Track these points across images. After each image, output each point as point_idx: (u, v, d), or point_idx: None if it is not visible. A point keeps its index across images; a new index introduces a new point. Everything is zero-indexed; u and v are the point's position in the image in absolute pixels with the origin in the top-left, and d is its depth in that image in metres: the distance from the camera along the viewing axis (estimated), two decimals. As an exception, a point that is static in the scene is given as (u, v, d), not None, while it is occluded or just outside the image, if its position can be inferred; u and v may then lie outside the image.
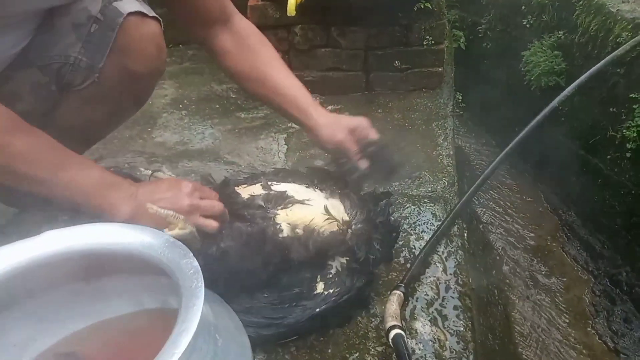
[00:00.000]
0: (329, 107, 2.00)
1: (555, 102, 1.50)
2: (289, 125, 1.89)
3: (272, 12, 1.96)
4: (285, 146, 1.75)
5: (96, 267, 0.73)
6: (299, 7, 1.73)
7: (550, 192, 2.50)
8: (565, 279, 1.94)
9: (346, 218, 0.97)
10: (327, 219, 0.93)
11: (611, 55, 1.67)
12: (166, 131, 1.86)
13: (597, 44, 2.15)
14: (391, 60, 2.04)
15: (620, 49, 1.66)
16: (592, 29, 2.21)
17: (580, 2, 2.40)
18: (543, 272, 2.00)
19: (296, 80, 1.09)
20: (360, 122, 1.06)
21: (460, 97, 2.48)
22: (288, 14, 1.70)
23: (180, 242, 0.65)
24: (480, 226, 2.33)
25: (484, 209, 2.48)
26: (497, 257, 2.11)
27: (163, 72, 0.99)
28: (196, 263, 0.61)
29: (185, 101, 2.09)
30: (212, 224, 0.84)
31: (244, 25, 1.09)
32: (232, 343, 0.64)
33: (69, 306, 0.76)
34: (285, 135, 1.81)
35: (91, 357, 0.72)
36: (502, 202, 2.56)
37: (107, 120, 1.06)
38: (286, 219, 0.92)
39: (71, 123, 0.96)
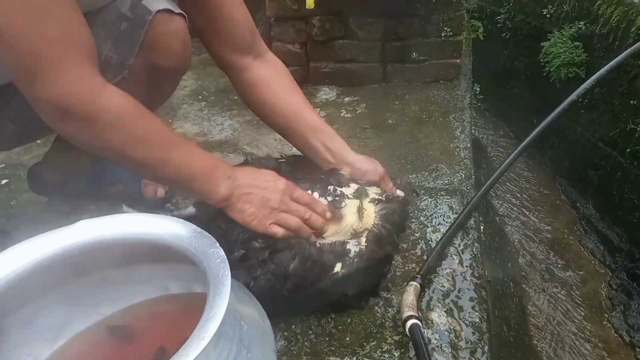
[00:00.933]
0: (347, 99, 2.02)
1: (574, 95, 1.49)
2: (307, 116, 1.90)
3: (290, 4, 1.97)
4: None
5: (125, 255, 0.77)
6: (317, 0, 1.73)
7: (567, 184, 2.49)
8: (581, 272, 1.94)
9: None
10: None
11: (633, 47, 1.65)
12: (186, 122, 1.90)
13: (618, 35, 2.13)
14: (409, 52, 2.04)
15: (642, 41, 1.64)
16: (613, 19, 2.18)
17: (602, -8, 2.36)
18: (559, 265, 2.00)
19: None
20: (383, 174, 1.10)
21: (478, 89, 2.46)
22: (307, 7, 1.72)
23: (207, 233, 0.67)
24: (497, 218, 2.33)
25: (500, 201, 2.48)
26: (514, 250, 2.11)
27: (188, 67, 1.02)
28: (222, 253, 0.64)
29: (205, 92, 2.12)
30: (278, 232, 0.88)
31: (274, 59, 1.12)
32: (256, 329, 0.67)
33: (100, 291, 0.80)
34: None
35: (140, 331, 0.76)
36: (519, 195, 2.55)
37: None
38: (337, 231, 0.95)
39: None
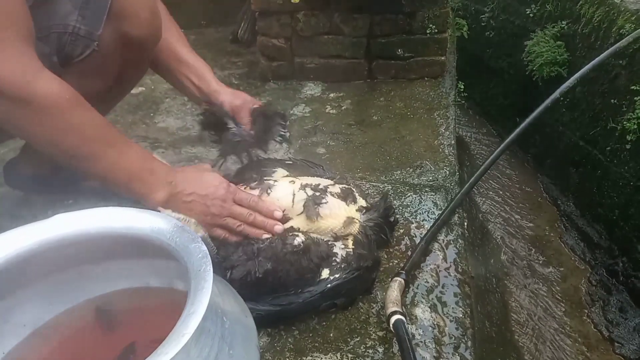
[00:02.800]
0: (332, 95, 2.01)
1: (556, 94, 1.51)
2: (291, 112, 1.89)
3: (275, -2, 1.95)
4: (288, 133, 1.75)
5: (104, 250, 0.75)
6: (303, -6, 1.72)
7: (549, 182, 2.52)
8: (562, 269, 1.97)
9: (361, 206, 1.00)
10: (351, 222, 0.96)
11: (614, 47, 1.67)
12: (169, 116, 1.87)
13: (600, 35, 2.16)
14: (394, 49, 2.03)
15: (623, 40, 1.66)
16: (595, 19, 2.21)
17: (585, -8, 2.39)
18: (541, 262, 2.03)
19: (199, 57, 1.14)
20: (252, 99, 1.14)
21: (462, 87, 2.47)
22: (292, 1, 1.70)
23: (189, 228, 0.66)
24: (480, 215, 2.35)
25: (483, 199, 2.50)
26: (496, 246, 2.13)
27: (159, 37, 1.01)
28: (204, 248, 0.62)
29: (188, 87, 2.09)
30: (230, 238, 0.89)
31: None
32: (238, 325, 0.66)
33: (78, 287, 0.78)
34: (287, 123, 1.82)
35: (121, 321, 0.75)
36: (501, 192, 2.58)
37: (110, 93, 1.06)
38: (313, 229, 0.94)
39: None
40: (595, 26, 2.21)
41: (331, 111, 1.89)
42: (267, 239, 0.89)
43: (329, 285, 0.86)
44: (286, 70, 2.13)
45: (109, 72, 0.99)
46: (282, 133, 1.12)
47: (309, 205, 0.94)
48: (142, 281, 0.82)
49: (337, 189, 1.01)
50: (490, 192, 2.54)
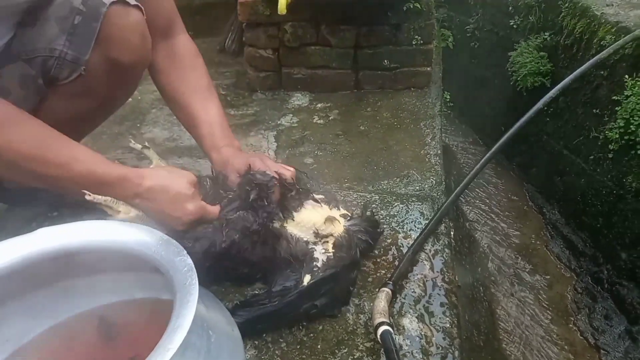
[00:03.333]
0: (319, 105, 2.02)
1: (540, 104, 1.53)
2: (279, 122, 1.90)
3: (262, 9, 1.96)
4: (275, 143, 1.76)
5: (89, 264, 0.74)
6: (289, 5, 1.73)
7: (535, 191, 2.55)
8: (548, 277, 1.99)
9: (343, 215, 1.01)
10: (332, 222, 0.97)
11: (595, 58, 1.71)
12: (155, 127, 1.86)
13: (581, 46, 2.20)
14: (380, 59, 2.05)
15: (604, 52, 1.70)
16: (577, 31, 2.25)
17: (566, 5, 2.44)
18: (527, 270, 2.04)
19: (216, 112, 1.09)
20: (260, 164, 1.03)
21: (448, 97, 2.51)
22: (279, 13, 1.71)
23: (174, 241, 0.66)
24: (467, 224, 2.37)
25: (470, 207, 2.52)
26: (483, 255, 2.14)
27: (149, 61, 1.00)
28: (190, 261, 0.62)
29: (175, 97, 2.09)
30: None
31: (183, 45, 1.11)
32: (225, 338, 0.65)
33: (63, 301, 0.77)
34: (275, 133, 1.83)
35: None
36: (487, 201, 2.60)
37: (96, 113, 1.06)
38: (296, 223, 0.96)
39: (59, 117, 0.95)
40: (577, 37, 2.25)
41: (319, 121, 1.90)
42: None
43: (306, 284, 0.86)
44: (273, 81, 2.13)
45: (95, 95, 0.97)
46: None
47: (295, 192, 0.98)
48: (127, 294, 0.81)
49: (320, 195, 1.04)
50: (477, 201, 2.56)
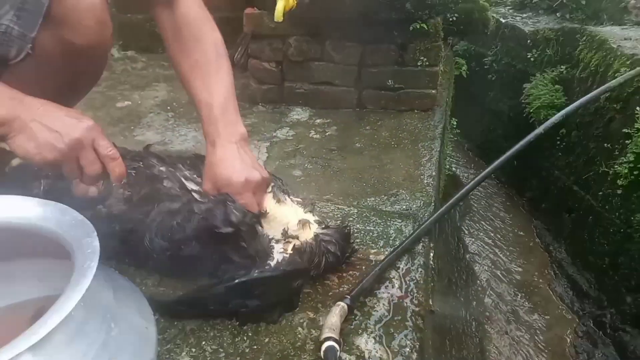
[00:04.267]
0: (318, 121, 1.98)
1: (541, 129, 1.45)
2: (274, 134, 1.86)
3: (267, 22, 1.95)
4: (267, 154, 1.72)
5: (11, 246, 0.69)
6: (290, 15, 1.71)
7: (543, 227, 2.44)
8: (548, 317, 1.86)
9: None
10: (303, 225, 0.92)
11: (604, 86, 1.63)
12: (149, 130, 1.84)
13: (596, 79, 2.12)
14: (384, 79, 2.01)
15: (614, 80, 1.62)
16: (592, 64, 2.18)
17: (584, 38, 2.38)
18: (526, 308, 1.92)
19: (220, 90, 0.95)
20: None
21: (455, 123, 2.44)
22: (275, 20, 1.69)
23: (88, 222, 0.60)
24: (467, 256, 2.26)
25: (473, 239, 2.41)
26: (480, 289, 2.03)
27: (108, 47, 0.96)
28: (97, 243, 0.57)
29: (174, 104, 2.08)
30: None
31: (187, 14, 0.99)
32: (132, 336, 0.59)
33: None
34: (268, 144, 1.78)
35: None
36: (492, 234, 2.50)
37: (54, 98, 1.03)
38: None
39: None
40: (592, 70, 2.18)
41: (315, 136, 1.86)
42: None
43: (237, 280, 0.79)
44: (275, 94, 2.11)
45: (49, 79, 0.93)
46: None
47: (275, 188, 0.94)
48: (52, 285, 0.76)
49: (297, 198, 0.98)
50: (481, 233, 2.46)
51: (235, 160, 0.91)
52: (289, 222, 0.92)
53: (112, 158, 0.78)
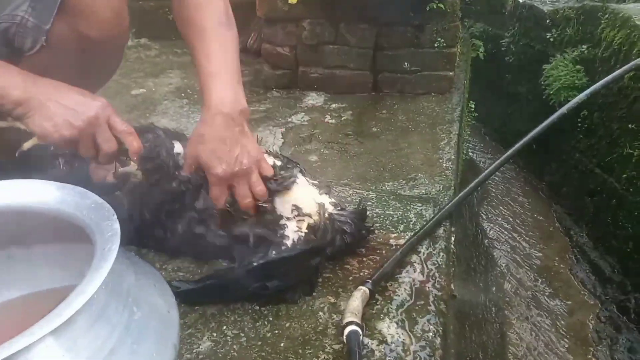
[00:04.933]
0: (333, 105, 1.95)
1: (564, 109, 1.41)
2: (289, 120, 1.84)
3: (281, 5, 1.92)
4: (282, 139, 1.70)
5: (32, 231, 0.69)
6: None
7: (563, 211, 2.39)
8: (569, 302, 1.83)
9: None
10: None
11: (630, 64, 1.57)
12: (164, 117, 1.83)
13: (620, 57, 2.05)
14: (401, 61, 1.97)
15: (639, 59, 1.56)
16: (615, 42, 2.11)
17: (606, 16, 2.30)
18: (547, 294, 1.89)
19: (222, 58, 0.90)
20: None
21: (473, 106, 2.39)
22: (290, 1, 1.66)
23: (107, 204, 0.59)
24: (486, 241, 2.23)
25: (491, 224, 2.38)
26: (500, 274, 2.00)
27: (125, 40, 0.95)
28: (117, 225, 0.56)
29: (189, 90, 2.07)
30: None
31: None
32: (154, 320, 0.58)
33: (5, 272, 0.72)
34: (283, 130, 1.76)
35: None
36: (511, 219, 2.45)
37: None
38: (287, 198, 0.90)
39: None
40: (615, 49, 2.11)
41: (330, 121, 1.83)
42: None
43: (255, 263, 0.79)
44: (289, 79, 2.08)
45: (65, 71, 0.92)
46: None
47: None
48: (79, 270, 0.75)
49: (314, 180, 0.98)
50: (499, 219, 2.42)
51: (215, 140, 0.83)
52: (304, 202, 0.91)
53: (128, 132, 0.79)
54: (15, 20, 0.83)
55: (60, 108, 0.73)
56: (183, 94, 2.03)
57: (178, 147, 0.92)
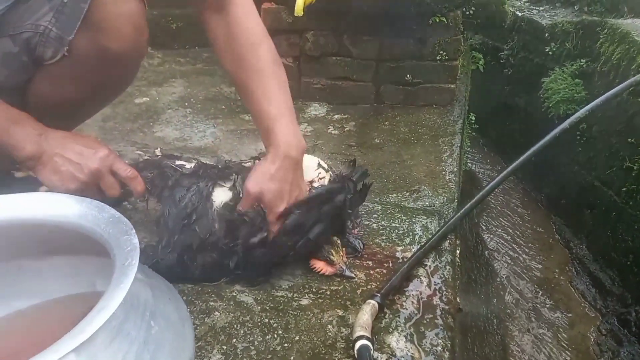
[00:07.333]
0: (336, 116, 1.96)
1: (566, 124, 1.43)
2: (292, 130, 1.84)
3: (285, 17, 1.94)
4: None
5: (41, 242, 0.69)
6: (308, 9, 1.70)
7: (562, 224, 2.41)
8: (570, 315, 1.83)
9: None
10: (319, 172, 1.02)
11: (630, 80, 1.59)
12: (168, 127, 1.84)
13: (619, 72, 2.08)
14: (403, 74, 1.99)
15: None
16: (614, 57, 2.14)
17: (605, 31, 2.33)
18: (548, 306, 1.90)
19: (279, 100, 0.96)
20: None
21: (474, 118, 2.41)
22: (295, 14, 1.67)
23: (125, 219, 0.60)
24: (486, 252, 2.24)
25: (491, 235, 2.39)
26: (501, 286, 2.01)
27: (143, 54, 0.96)
28: (136, 240, 0.56)
29: (192, 100, 2.07)
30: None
31: (239, 18, 0.98)
32: (171, 333, 0.58)
33: (15, 282, 0.72)
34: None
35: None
36: (511, 230, 2.47)
37: (87, 101, 1.02)
38: None
39: (47, 100, 0.93)
40: (614, 64, 2.13)
41: (333, 132, 1.84)
42: None
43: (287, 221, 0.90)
44: (292, 90, 2.07)
45: (84, 81, 0.94)
46: None
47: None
48: (88, 280, 0.75)
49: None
50: (499, 230, 2.43)
51: (281, 181, 0.89)
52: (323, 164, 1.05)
53: (132, 178, 0.86)
54: (38, 29, 0.84)
55: (65, 162, 0.80)
56: (186, 103, 2.04)
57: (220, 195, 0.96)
